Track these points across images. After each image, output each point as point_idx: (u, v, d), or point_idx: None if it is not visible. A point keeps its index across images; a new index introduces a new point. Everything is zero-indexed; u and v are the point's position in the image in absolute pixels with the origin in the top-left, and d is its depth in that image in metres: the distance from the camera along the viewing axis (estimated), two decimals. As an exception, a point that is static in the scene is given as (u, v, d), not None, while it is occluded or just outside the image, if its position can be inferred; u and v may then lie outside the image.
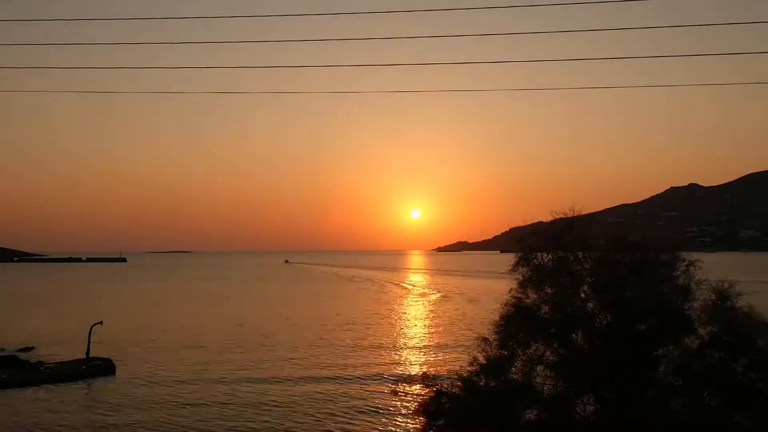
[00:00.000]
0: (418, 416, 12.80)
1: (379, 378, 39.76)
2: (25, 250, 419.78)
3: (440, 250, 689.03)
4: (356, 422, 30.60)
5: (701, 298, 11.90)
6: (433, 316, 76.31)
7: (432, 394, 12.69)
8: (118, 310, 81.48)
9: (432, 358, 47.17)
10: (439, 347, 52.33)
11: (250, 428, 29.80)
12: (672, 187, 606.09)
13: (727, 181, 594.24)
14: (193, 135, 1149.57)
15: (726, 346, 11.58)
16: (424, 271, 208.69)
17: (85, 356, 43.63)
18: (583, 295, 12.59)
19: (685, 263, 12.23)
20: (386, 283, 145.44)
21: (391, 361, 46.12)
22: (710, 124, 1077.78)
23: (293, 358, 47.12)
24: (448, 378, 12.84)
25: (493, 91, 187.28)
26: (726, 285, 11.81)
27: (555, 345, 12.39)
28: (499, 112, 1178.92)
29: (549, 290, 12.72)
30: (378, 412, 32.12)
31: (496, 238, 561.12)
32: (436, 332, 62.09)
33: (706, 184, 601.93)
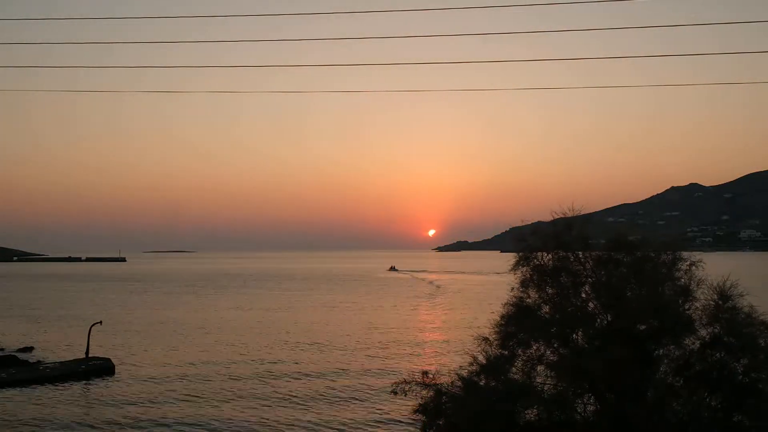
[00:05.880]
0: (418, 416, 12.76)
1: (378, 377, 39.71)
2: (24, 250, 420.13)
3: (440, 249, 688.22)
4: (355, 421, 30.58)
5: (702, 298, 11.87)
6: (432, 316, 76.27)
7: (432, 394, 12.65)
8: (117, 310, 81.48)
9: (432, 358, 47.12)
10: (439, 347, 52.29)
11: (250, 427, 29.76)
12: (672, 187, 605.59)
13: (727, 181, 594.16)
14: (194, 135, 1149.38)
15: (727, 346, 11.54)
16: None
17: (84, 356, 43.62)
18: (583, 295, 12.56)
19: (687, 263, 12.19)
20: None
21: (390, 360, 46.06)
22: (710, 124, 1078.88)
23: (292, 358, 47.10)
24: (448, 378, 12.80)
25: (493, 91, 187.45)
26: (728, 285, 11.78)
27: (555, 345, 12.35)
28: (500, 111, 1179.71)
29: (550, 290, 12.69)
30: (377, 411, 32.09)
31: (496, 237, 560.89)
32: (436, 331, 62.07)
33: (706, 184, 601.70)
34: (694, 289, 11.95)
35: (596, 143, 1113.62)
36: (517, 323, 12.50)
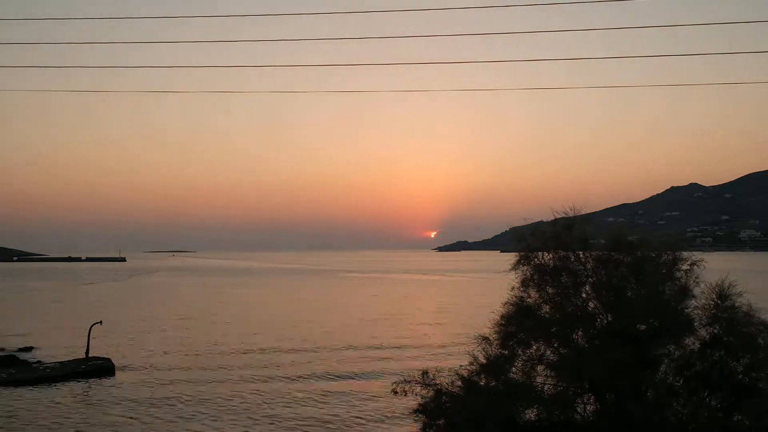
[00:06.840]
0: (418, 416, 12.75)
1: (378, 377, 39.70)
2: (24, 250, 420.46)
3: (440, 249, 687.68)
4: (355, 422, 30.57)
5: (702, 297, 11.87)
6: (432, 315, 76.23)
7: (432, 394, 12.64)
8: (117, 310, 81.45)
9: (432, 358, 47.10)
10: (439, 346, 52.25)
11: (251, 426, 29.76)
12: (672, 187, 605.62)
13: (727, 181, 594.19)
14: (194, 134, 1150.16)
15: (726, 346, 11.55)
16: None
17: (84, 356, 43.60)
18: (584, 295, 12.56)
19: (688, 263, 12.20)
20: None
21: (390, 360, 46.04)
22: (710, 124, 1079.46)
23: (291, 357, 47.09)
24: (448, 377, 12.79)
25: (494, 91, 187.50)
26: (727, 284, 11.78)
27: (555, 345, 12.35)
28: (500, 111, 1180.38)
29: (550, 290, 12.69)
30: (377, 411, 32.08)
31: (496, 237, 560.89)
32: (435, 331, 62.02)
33: (706, 184, 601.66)
34: (694, 288, 11.96)
35: (596, 143, 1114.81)
36: (517, 323, 12.50)
